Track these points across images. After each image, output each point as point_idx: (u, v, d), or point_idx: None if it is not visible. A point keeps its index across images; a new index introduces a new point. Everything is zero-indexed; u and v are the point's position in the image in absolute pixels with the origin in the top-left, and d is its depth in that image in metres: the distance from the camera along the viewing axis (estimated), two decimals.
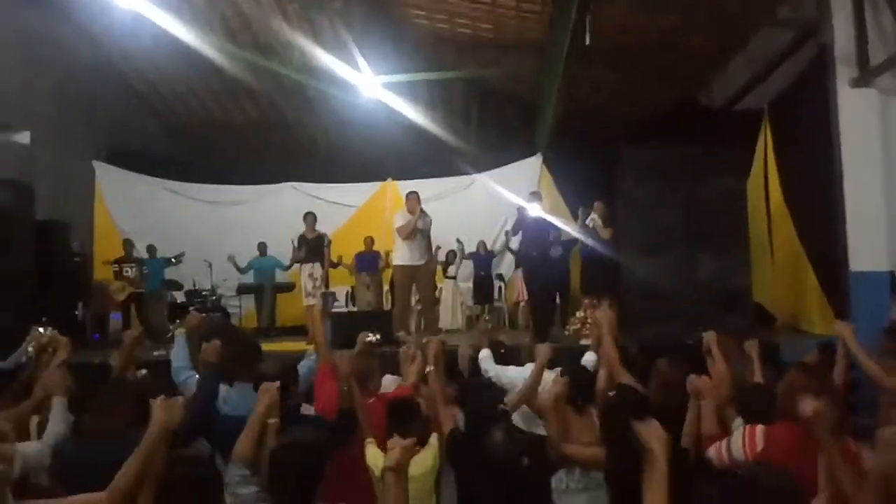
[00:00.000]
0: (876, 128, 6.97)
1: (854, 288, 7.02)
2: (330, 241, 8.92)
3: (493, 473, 2.45)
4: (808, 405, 2.35)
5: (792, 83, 8.42)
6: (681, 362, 3.63)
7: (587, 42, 7.41)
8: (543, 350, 4.08)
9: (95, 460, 2.58)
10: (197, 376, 3.57)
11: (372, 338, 4.13)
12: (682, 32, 10.01)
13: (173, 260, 10.51)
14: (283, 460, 2.39)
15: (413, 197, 7.98)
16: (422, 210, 7.92)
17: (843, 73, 7.08)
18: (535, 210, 8.17)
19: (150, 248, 10.84)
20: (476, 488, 2.77)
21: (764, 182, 9.04)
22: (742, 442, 2.76)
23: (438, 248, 10.49)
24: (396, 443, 2.43)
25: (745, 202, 7.60)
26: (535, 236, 8.12)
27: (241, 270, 10.92)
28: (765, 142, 9.07)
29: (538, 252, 8.08)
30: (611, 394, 3.34)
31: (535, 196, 8.45)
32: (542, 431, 3.48)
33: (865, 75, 6.91)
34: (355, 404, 3.27)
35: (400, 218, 7.95)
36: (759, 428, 2.76)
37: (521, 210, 8.40)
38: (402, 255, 7.92)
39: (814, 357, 4.77)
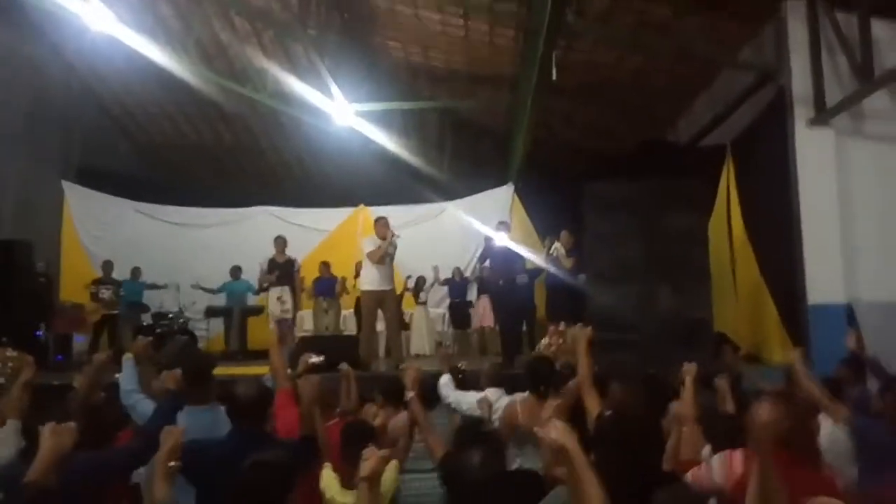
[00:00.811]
0: (832, 165, 7.20)
1: (812, 320, 7.20)
2: (299, 267, 8.92)
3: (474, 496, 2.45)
4: (763, 411, 2.33)
5: (753, 121, 8.67)
6: (634, 387, 3.70)
7: (553, 77, 7.60)
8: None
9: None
10: (145, 398, 3.55)
11: (315, 359, 4.14)
12: (649, 72, 10.31)
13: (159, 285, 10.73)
14: (252, 480, 2.37)
15: (382, 222, 7.98)
16: (393, 234, 7.91)
17: (801, 113, 7.32)
18: (502, 239, 8.33)
19: (135, 271, 10.84)
20: None
21: (727, 216, 9.26)
22: (723, 466, 2.79)
23: (409, 277, 10.57)
24: (371, 453, 2.44)
25: (706, 236, 7.76)
26: (502, 265, 8.28)
27: (214, 292, 10.89)
28: (727, 177, 9.30)
29: (504, 280, 8.21)
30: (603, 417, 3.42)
31: (503, 226, 8.63)
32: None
33: (822, 115, 7.15)
34: (316, 430, 3.28)
35: (369, 243, 7.95)
36: (737, 453, 2.79)
37: (488, 239, 8.49)
38: (370, 280, 7.89)
39: (781, 386, 4.87)
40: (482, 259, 9.01)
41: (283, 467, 2.47)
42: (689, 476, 2.90)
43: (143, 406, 3.49)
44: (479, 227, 11.54)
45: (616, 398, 3.62)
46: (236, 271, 10.87)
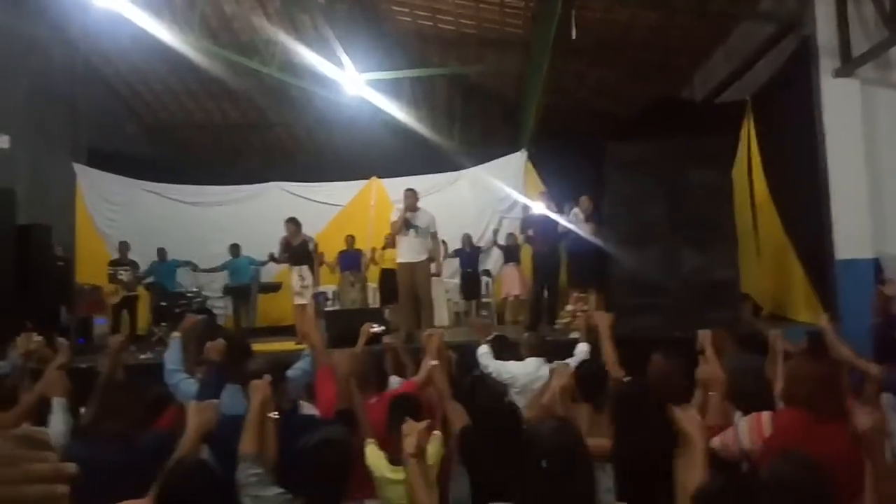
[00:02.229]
0: (858, 117, 7.03)
1: (840, 276, 7.09)
2: (316, 244, 8.85)
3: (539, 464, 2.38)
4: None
5: (774, 75, 8.47)
6: (675, 356, 3.65)
7: (573, 36, 7.42)
8: (562, 374, 3.60)
9: (104, 462, 2.54)
10: (189, 378, 3.55)
11: (377, 328, 4.07)
12: (664, 27, 10.08)
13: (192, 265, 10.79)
14: (316, 459, 2.39)
15: (410, 193, 7.94)
16: (417, 207, 7.88)
17: (826, 64, 7.14)
18: (541, 208, 8.48)
19: (161, 251, 10.86)
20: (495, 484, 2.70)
21: (748, 173, 9.11)
22: (749, 430, 2.74)
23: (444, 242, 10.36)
24: (412, 428, 2.39)
25: (731, 194, 7.59)
26: (543, 233, 8.34)
27: (216, 270, 10.95)
28: (748, 134, 9.13)
29: (548, 248, 8.30)
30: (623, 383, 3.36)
31: (544, 195, 8.82)
32: None
33: (847, 66, 6.96)
34: (354, 405, 3.23)
35: (393, 215, 7.99)
36: (766, 415, 2.75)
37: (526, 208, 8.87)
38: (401, 251, 7.91)
39: (803, 345, 4.81)
40: (524, 228, 8.98)
41: (346, 442, 2.52)
42: (717, 441, 2.84)
43: (185, 386, 3.49)
44: (497, 192, 11.53)
45: (657, 370, 3.56)
46: (235, 249, 10.84)
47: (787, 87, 8.06)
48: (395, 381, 4.08)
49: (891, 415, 3.64)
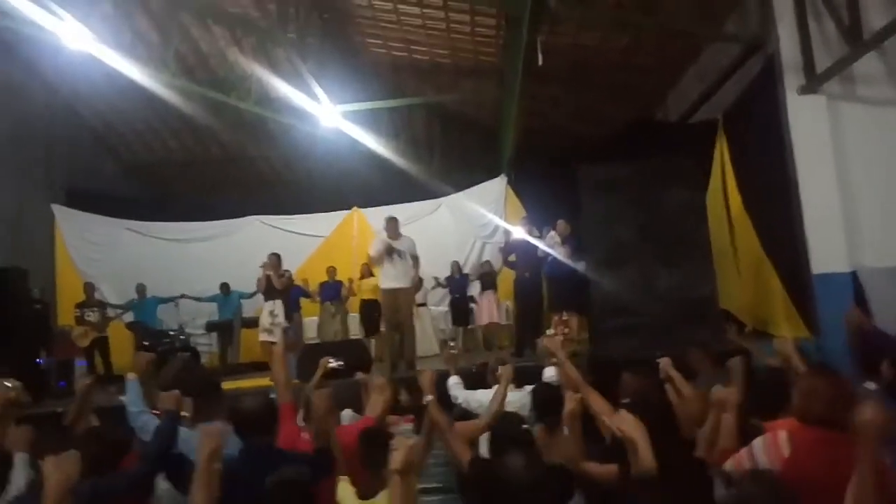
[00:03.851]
0: (826, 132, 7.10)
1: (818, 290, 7.12)
2: (292, 279, 8.83)
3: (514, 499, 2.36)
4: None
5: (743, 94, 8.58)
6: (646, 373, 3.63)
7: (540, 62, 7.51)
8: (507, 370, 4.05)
9: None
10: (154, 418, 3.47)
11: (334, 363, 4.04)
12: (634, 51, 10.21)
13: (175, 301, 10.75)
14: (276, 499, 2.36)
15: (392, 222, 8.10)
16: (399, 234, 8.01)
17: (791, 82, 7.23)
18: (520, 233, 8.67)
19: (140, 288, 10.82)
20: None
21: (723, 191, 9.18)
22: (765, 448, 2.66)
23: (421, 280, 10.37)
24: (400, 443, 2.36)
25: (705, 212, 7.66)
26: (525, 258, 8.47)
27: (203, 300, 10.95)
28: (721, 152, 9.22)
29: (530, 273, 8.44)
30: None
31: (524, 220, 9.06)
32: None
33: (812, 82, 7.06)
34: (331, 443, 3.19)
35: (373, 245, 8.08)
36: (781, 432, 2.67)
37: (507, 234, 9.07)
38: (384, 278, 7.93)
39: (780, 360, 4.81)
40: (506, 253, 9.04)
41: (304, 484, 2.45)
42: (730, 463, 2.76)
43: (152, 426, 3.38)
44: (479, 219, 11.61)
45: (630, 388, 3.53)
46: (225, 288, 10.79)
47: (755, 105, 8.16)
48: (346, 415, 4.04)
49: None
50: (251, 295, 10.23)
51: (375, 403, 3.79)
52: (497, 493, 2.53)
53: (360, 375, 4.76)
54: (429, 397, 3.54)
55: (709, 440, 3.07)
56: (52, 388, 9.08)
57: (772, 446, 2.64)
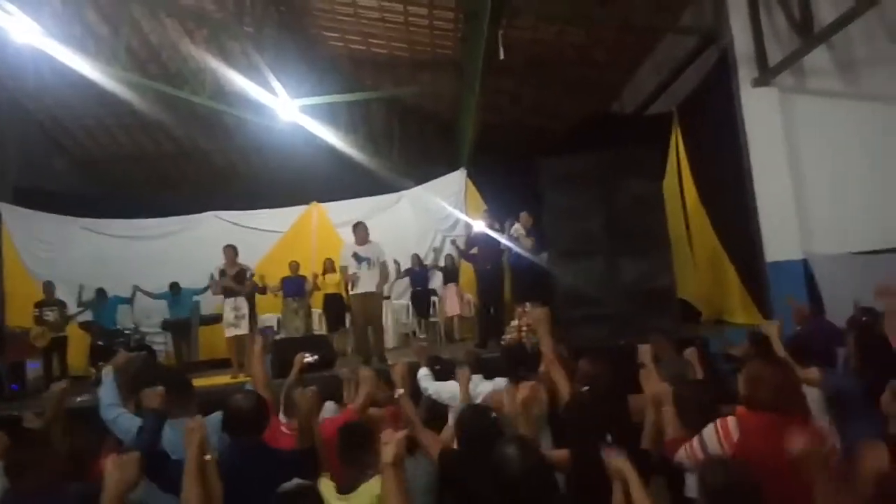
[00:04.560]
0: (778, 123, 7.32)
1: (772, 277, 7.32)
2: (253, 274, 8.69)
3: (508, 488, 2.38)
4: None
5: (697, 86, 8.76)
6: (602, 359, 3.70)
7: (501, 56, 7.54)
8: (464, 374, 4.18)
9: None
10: (127, 413, 3.45)
11: (310, 358, 4.03)
12: (592, 44, 10.33)
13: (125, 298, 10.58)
14: None
15: (361, 227, 8.08)
16: (368, 240, 8.03)
17: (745, 74, 7.42)
18: (481, 226, 8.73)
19: (101, 291, 10.57)
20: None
21: (679, 182, 9.36)
22: (717, 435, 2.74)
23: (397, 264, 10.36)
24: (389, 436, 2.36)
25: (663, 203, 7.81)
26: (487, 251, 8.52)
27: (155, 296, 10.72)
28: (676, 143, 9.39)
29: (492, 265, 8.48)
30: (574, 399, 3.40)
31: (486, 213, 9.15)
32: None
33: (765, 75, 7.25)
34: (314, 442, 3.18)
35: (344, 256, 8.11)
36: (731, 419, 2.76)
37: (469, 227, 9.17)
38: (376, 280, 7.95)
39: (744, 346, 4.95)
40: (469, 246, 9.08)
41: (316, 494, 2.45)
42: (682, 453, 2.87)
43: (124, 421, 3.38)
44: (439, 212, 11.63)
45: (586, 374, 3.60)
46: (175, 287, 10.59)
47: (710, 96, 8.34)
48: (329, 407, 4.04)
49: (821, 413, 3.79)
50: (203, 290, 10.07)
51: (359, 396, 3.78)
52: (476, 485, 2.56)
53: (342, 370, 4.75)
54: (400, 391, 3.56)
55: (651, 434, 3.17)
56: (5, 390, 8.81)
57: (723, 432, 2.73)
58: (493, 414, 3.07)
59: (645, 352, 3.97)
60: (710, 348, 6.56)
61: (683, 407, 3.20)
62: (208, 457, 2.63)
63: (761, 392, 2.73)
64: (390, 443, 2.32)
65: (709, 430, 2.78)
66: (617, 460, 2.42)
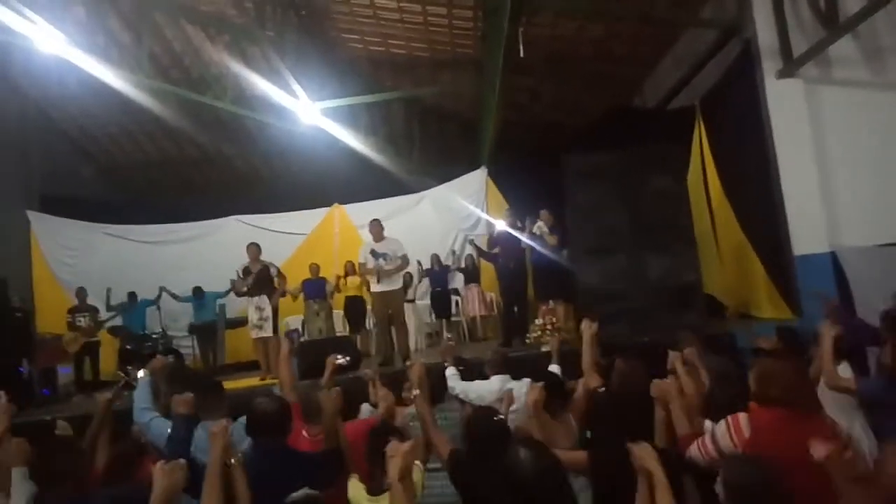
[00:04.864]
0: (804, 115, 7.21)
1: (799, 271, 7.23)
2: (278, 271, 8.74)
3: (521, 490, 2.38)
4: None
5: (720, 79, 8.66)
6: (637, 358, 3.70)
7: (521, 54, 7.52)
8: (535, 389, 3.96)
9: None
10: (160, 417, 3.49)
11: (342, 360, 4.06)
12: (611, 38, 10.26)
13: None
14: None
15: (375, 223, 8.12)
16: (383, 236, 8.06)
17: (769, 66, 7.32)
18: (502, 225, 8.73)
19: (132, 295, 10.76)
20: None
21: (703, 177, 9.26)
22: (728, 432, 2.76)
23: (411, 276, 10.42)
24: (397, 449, 2.36)
25: (687, 198, 7.73)
26: (509, 249, 8.51)
27: (180, 299, 10.90)
28: (699, 138, 9.30)
29: (514, 264, 8.47)
30: (597, 394, 3.39)
31: (507, 212, 9.10)
32: None
33: (789, 66, 7.15)
34: (341, 443, 3.20)
35: (361, 251, 8.15)
36: (742, 416, 2.77)
37: (490, 226, 9.14)
38: (397, 279, 8.02)
39: (773, 341, 4.89)
40: (491, 245, 9.10)
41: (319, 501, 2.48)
42: (693, 449, 2.87)
43: (157, 425, 3.43)
44: (461, 211, 11.63)
45: (621, 373, 3.60)
46: (198, 291, 10.74)
47: (733, 89, 8.25)
48: (365, 409, 4.06)
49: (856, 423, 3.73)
50: (226, 293, 10.18)
51: (381, 406, 3.82)
52: (485, 488, 2.55)
53: (366, 372, 4.77)
54: (415, 392, 3.57)
55: (661, 432, 3.16)
56: (37, 395, 8.95)
57: (734, 428, 2.75)
58: (500, 416, 3.09)
59: (676, 358, 3.93)
60: (738, 343, 6.53)
61: (717, 403, 3.18)
62: (233, 461, 2.65)
63: (772, 388, 2.75)
64: (396, 456, 2.31)
65: (721, 427, 2.80)
66: (644, 456, 2.39)
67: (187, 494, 2.74)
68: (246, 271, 8.45)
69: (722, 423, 2.83)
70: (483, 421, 2.96)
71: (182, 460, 2.52)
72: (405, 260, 8.09)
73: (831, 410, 3.54)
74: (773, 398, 2.73)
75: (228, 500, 2.60)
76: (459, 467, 2.90)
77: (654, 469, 2.31)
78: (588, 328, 4.40)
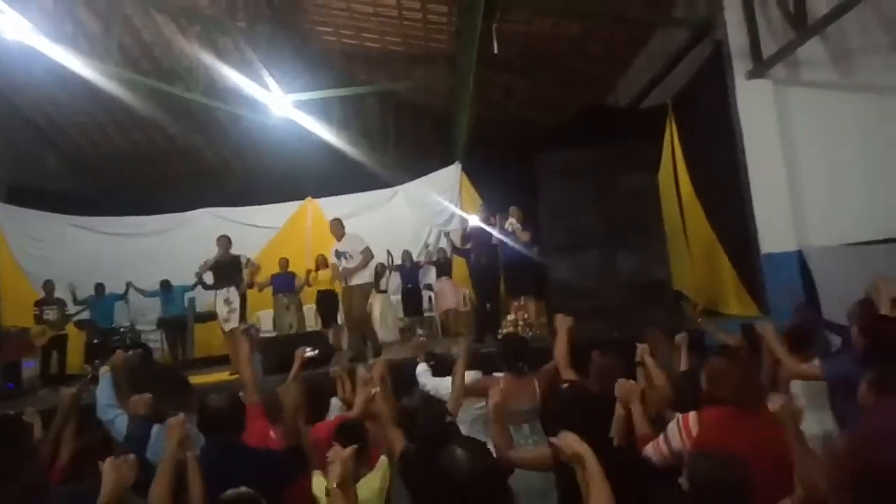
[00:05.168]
0: (773, 116, 7.29)
1: (766, 269, 7.33)
2: (248, 260, 8.66)
3: (456, 490, 2.37)
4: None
5: (692, 78, 8.74)
6: (613, 352, 3.74)
7: (495, 51, 7.52)
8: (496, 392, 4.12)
9: None
10: (123, 415, 3.44)
11: (311, 352, 4.03)
12: (586, 36, 10.31)
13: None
14: None
15: (336, 223, 8.27)
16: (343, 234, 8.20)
17: (739, 66, 7.40)
18: (475, 220, 8.81)
19: (99, 287, 10.65)
20: None
21: (674, 174, 9.36)
22: (678, 430, 2.81)
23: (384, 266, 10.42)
24: (335, 454, 2.34)
25: (658, 196, 7.81)
26: (482, 245, 8.55)
27: (146, 294, 10.86)
28: (671, 136, 9.39)
29: (486, 259, 8.49)
30: (562, 390, 3.41)
31: (482, 208, 9.15)
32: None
33: (759, 67, 7.23)
34: (301, 439, 3.18)
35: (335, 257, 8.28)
36: (692, 414, 2.83)
37: (463, 221, 9.27)
38: (360, 274, 8.07)
39: (738, 339, 4.98)
40: (464, 241, 9.10)
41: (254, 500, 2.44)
42: (649, 448, 2.92)
43: (121, 421, 3.39)
44: (433, 207, 11.62)
45: (599, 366, 3.64)
46: (166, 285, 10.65)
47: (704, 89, 8.33)
48: (335, 404, 4.04)
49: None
50: (193, 286, 10.10)
51: (359, 398, 3.80)
52: (427, 485, 2.55)
53: (333, 369, 4.75)
54: (375, 389, 3.59)
55: (619, 430, 3.18)
56: (1, 389, 8.79)
57: (683, 426, 2.82)
58: (449, 417, 3.10)
59: (644, 350, 4.00)
60: (707, 341, 6.60)
61: (680, 397, 3.23)
62: (190, 454, 2.63)
63: (721, 388, 2.83)
64: (335, 461, 2.28)
65: (672, 425, 2.85)
66: (569, 443, 2.32)
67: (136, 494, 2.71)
68: (214, 264, 8.38)
69: (673, 421, 2.89)
70: (428, 419, 2.98)
71: (132, 455, 2.49)
72: (367, 254, 8.09)
73: (805, 400, 3.67)
74: (720, 398, 2.81)
75: (182, 495, 2.57)
76: (406, 466, 2.92)
77: (583, 451, 2.25)
78: (563, 322, 4.44)
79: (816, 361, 3.81)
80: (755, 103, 7.36)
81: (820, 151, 7.28)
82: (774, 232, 7.30)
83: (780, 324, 6.34)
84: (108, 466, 2.43)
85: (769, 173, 7.32)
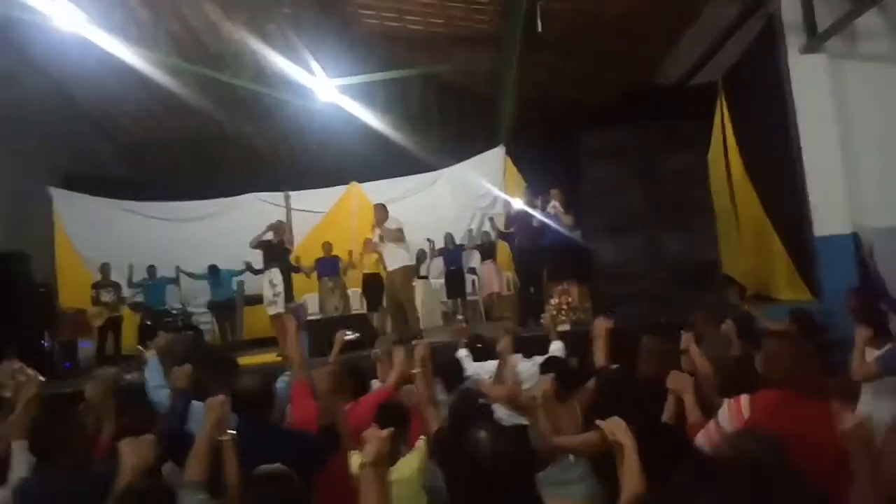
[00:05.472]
0: (828, 92, 7.05)
1: (820, 252, 7.11)
2: (279, 222, 8.89)
3: (478, 472, 2.38)
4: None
5: (743, 55, 8.50)
6: (663, 335, 3.70)
7: (539, 29, 7.42)
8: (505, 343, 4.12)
9: (60, 494, 2.54)
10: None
11: (351, 335, 4.08)
12: (632, 13, 10.06)
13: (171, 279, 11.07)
14: (261, 496, 2.32)
15: (380, 208, 8.26)
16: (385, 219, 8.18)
17: (793, 41, 7.16)
18: (520, 204, 8.80)
19: (151, 269, 11.01)
20: (463, 488, 2.70)
21: (724, 154, 9.13)
22: (729, 413, 2.74)
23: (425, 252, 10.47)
24: (372, 434, 2.35)
25: (707, 176, 7.63)
26: (526, 228, 8.54)
27: (196, 277, 11.15)
28: (721, 115, 9.16)
29: (531, 243, 8.46)
30: (602, 375, 3.37)
31: (526, 191, 9.24)
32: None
33: (814, 41, 6.99)
34: (336, 420, 3.21)
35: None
36: (743, 397, 2.75)
37: (507, 205, 9.23)
38: (402, 257, 8.17)
39: (785, 325, 4.84)
40: (508, 225, 9.09)
41: (289, 478, 2.44)
42: (701, 436, 2.82)
43: (167, 396, 3.46)
44: (478, 190, 11.56)
45: (650, 350, 3.61)
46: (213, 269, 10.89)
47: (756, 65, 8.08)
48: (376, 387, 4.08)
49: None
50: (241, 272, 10.31)
51: (392, 375, 3.83)
52: (462, 464, 2.54)
53: (375, 352, 4.78)
54: (417, 370, 3.57)
55: (668, 416, 3.12)
56: (59, 369, 9.12)
57: (734, 410, 2.74)
58: (482, 399, 3.09)
59: (688, 339, 3.91)
60: (757, 324, 6.44)
61: (724, 386, 3.16)
62: (226, 437, 2.65)
63: (774, 369, 2.76)
64: (371, 441, 2.27)
65: (723, 410, 2.78)
66: (613, 430, 2.30)
67: (176, 465, 2.76)
68: (262, 244, 8.60)
69: (724, 406, 2.82)
70: (464, 401, 2.98)
71: (150, 435, 2.53)
72: (399, 240, 8.15)
73: (871, 400, 3.58)
74: (776, 379, 2.73)
75: (217, 474, 2.60)
76: (439, 445, 2.92)
77: (625, 440, 2.24)
78: (602, 324, 4.35)
79: (872, 361, 3.66)
80: (810, 79, 7.12)
81: (877, 129, 7.02)
82: (828, 213, 7.08)
83: (832, 307, 6.20)
84: (125, 447, 2.46)
85: (824, 152, 7.08)
